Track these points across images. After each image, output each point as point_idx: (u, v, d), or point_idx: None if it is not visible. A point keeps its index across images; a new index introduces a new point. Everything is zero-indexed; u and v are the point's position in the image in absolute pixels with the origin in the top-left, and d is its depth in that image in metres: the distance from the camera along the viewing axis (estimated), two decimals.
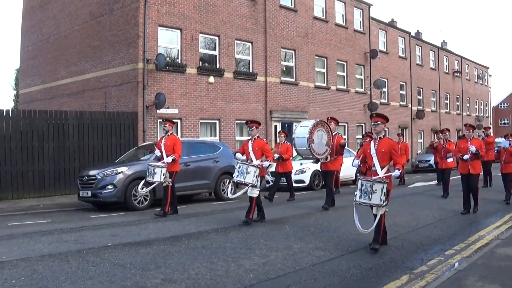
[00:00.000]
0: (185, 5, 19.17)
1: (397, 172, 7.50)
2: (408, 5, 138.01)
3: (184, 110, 18.94)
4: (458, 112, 43.76)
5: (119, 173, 12.60)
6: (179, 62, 19.00)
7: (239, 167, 9.83)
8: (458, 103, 43.91)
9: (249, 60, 21.92)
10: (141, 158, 13.99)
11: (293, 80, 23.95)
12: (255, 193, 9.92)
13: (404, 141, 20.92)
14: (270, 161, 10.27)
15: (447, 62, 42.10)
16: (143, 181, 11.64)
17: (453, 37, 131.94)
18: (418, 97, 36.81)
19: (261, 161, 10.15)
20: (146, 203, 12.86)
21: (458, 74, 43.63)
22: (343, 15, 27.96)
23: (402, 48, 34.66)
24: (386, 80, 31.64)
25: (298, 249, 7.61)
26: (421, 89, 37.13)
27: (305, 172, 17.93)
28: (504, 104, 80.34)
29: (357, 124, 28.69)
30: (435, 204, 12.97)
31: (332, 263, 6.73)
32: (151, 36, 18.05)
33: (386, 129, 16.23)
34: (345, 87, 27.73)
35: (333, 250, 7.22)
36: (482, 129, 15.11)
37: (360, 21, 29.60)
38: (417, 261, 6.92)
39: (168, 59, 18.48)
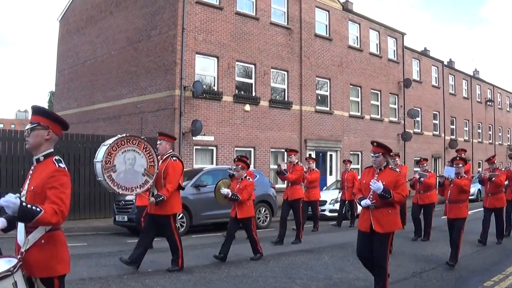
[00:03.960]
0: (222, 33, 19.31)
1: None
2: (440, 34, 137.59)
3: (220, 138, 18.90)
4: (490, 141, 42.89)
5: None
6: (216, 89, 19.05)
7: None
8: (490, 133, 43.07)
9: (285, 89, 21.87)
10: None
11: (327, 109, 23.78)
12: None
13: (351, 169, 15.98)
14: None
15: (479, 91, 41.45)
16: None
17: (484, 66, 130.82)
18: (451, 126, 36.22)
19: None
20: (182, 229, 12.68)
21: (490, 103, 42.92)
22: (377, 44, 27.83)
23: (435, 77, 34.24)
24: (419, 109, 31.17)
25: (339, 279, 7.46)
26: (454, 119, 36.56)
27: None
28: None
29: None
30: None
31: None
32: (188, 63, 18.17)
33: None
34: (379, 116, 27.42)
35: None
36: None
37: (394, 50, 29.39)
38: None
39: (204, 86, 18.54)
